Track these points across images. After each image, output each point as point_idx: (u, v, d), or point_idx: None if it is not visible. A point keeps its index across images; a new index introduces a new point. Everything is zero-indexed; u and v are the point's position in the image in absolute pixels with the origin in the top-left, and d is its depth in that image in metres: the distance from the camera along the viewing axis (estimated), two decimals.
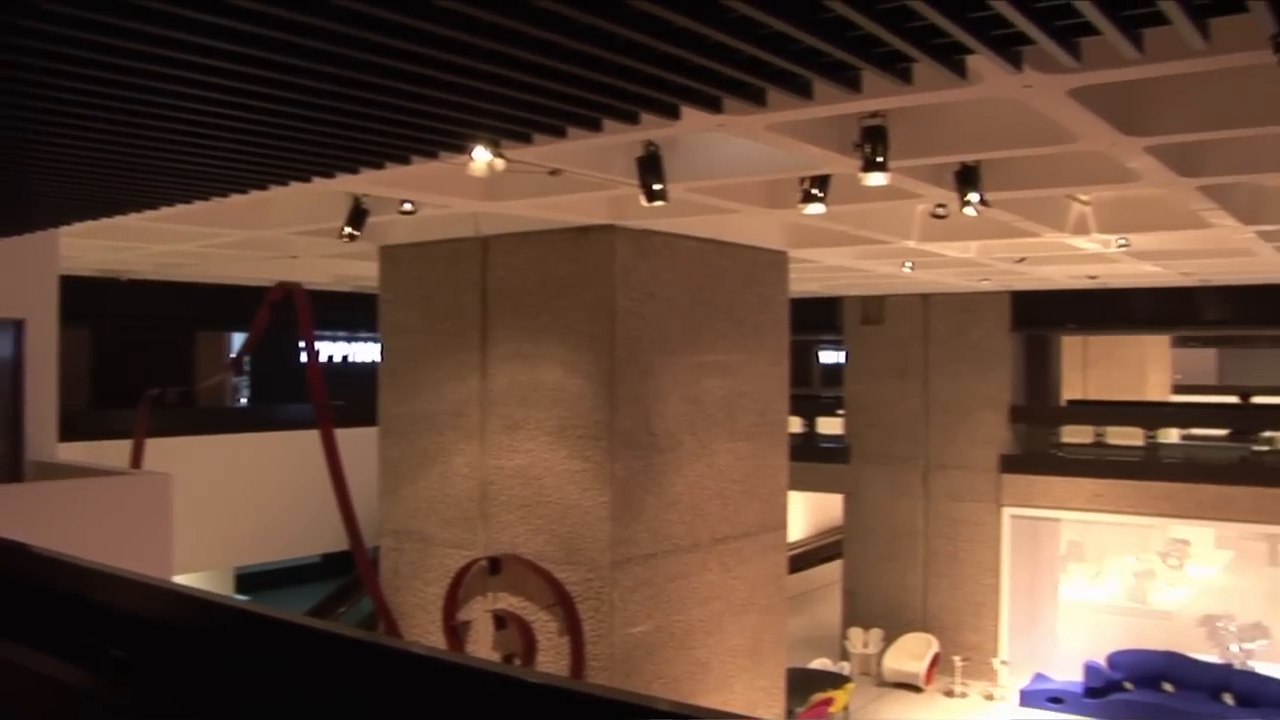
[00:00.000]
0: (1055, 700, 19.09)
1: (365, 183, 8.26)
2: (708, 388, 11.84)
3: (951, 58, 4.44)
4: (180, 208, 8.03)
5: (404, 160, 6.01)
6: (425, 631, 12.00)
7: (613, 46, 4.11)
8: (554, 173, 8.12)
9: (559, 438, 11.06)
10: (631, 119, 5.21)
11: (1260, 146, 7.82)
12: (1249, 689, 18.23)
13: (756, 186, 9.54)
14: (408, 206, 9.59)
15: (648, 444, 11.12)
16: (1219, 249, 12.72)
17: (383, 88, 4.52)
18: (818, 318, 21.76)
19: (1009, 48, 4.35)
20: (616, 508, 10.78)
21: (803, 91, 4.82)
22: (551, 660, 10.99)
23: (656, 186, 7.70)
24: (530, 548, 11.21)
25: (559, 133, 5.43)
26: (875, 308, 21.22)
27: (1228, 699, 18.22)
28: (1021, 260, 14.19)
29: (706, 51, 4.19)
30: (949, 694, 19.74)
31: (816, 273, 15.71)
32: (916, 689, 19.81)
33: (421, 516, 12.10)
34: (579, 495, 10.91)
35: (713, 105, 5.02)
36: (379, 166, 6.17)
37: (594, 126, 5.27)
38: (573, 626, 10.84)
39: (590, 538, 10.84)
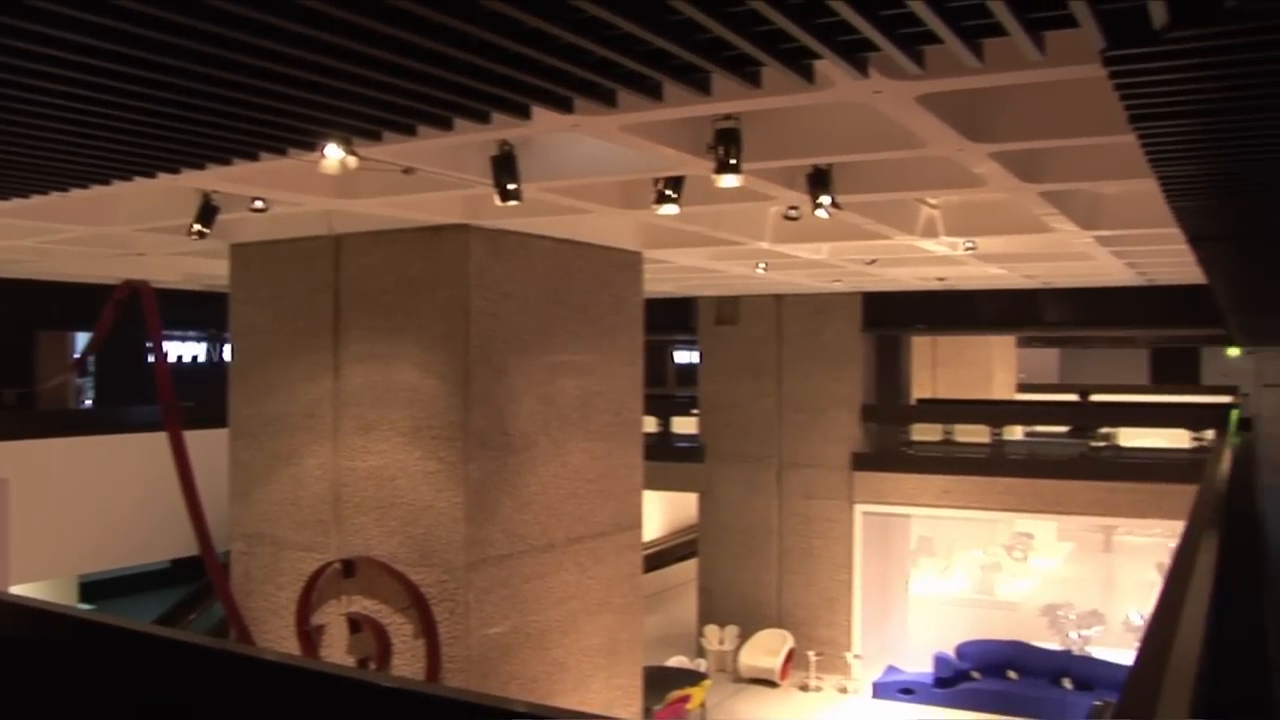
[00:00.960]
0: (906, 691, 19.55)
1: (215, 179, 8.08)
2: (562, 388, 11.84)
3: (799, 62, 4.51)
4: (17, 202, 7.80)
5: (252, 157, 5.92)
6: (278, 637, 11.80)
7: (464, 46, 4.10)
8: (408, 171, 8.05)
9: (413, 438, 10.96)
10: (483, 118, 5.20)
11: (1097, 155, 8.06)
12: (1086, 673, 19.04)
13: (611, 187, 9.55)
14: (259, 204, 9.41)
15: (502, 444, 11.08)
16: (1060, 253, 13.09)
17: (229, 83, 4.45)
18: (672, 318, 21.91)
19: (855, 54, 4.42)
20: (471, 508, 10.72)
21: (653, 93, 4.85)
22: (407, 663, 10.89)
23: (511, 186, 7.67)
24: (384, 550, 11.09)
25: (410, 131, 5.40)
26: (729, 308, 21.40)
27: (1067, 683, 19.01)
28: (872, 262, 14.43)
29: (557, 52, 4.20)
30: (804, 688, 20.02)
31: (671, 273, 15.80)
32: (772, 684, 20.04)
33: (273, 520, 11.89)
34: (433, 496, 10.83)
35: (564, 106, 5.04)
36: (226, 163, 6.07)
37: (445, 125, 5.25)
38: (428, 629, 10.75)
39: (445, 539, 10.76)
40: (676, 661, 19.27)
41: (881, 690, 19.76)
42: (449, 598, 10.74)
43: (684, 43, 4.14)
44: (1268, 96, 4.08)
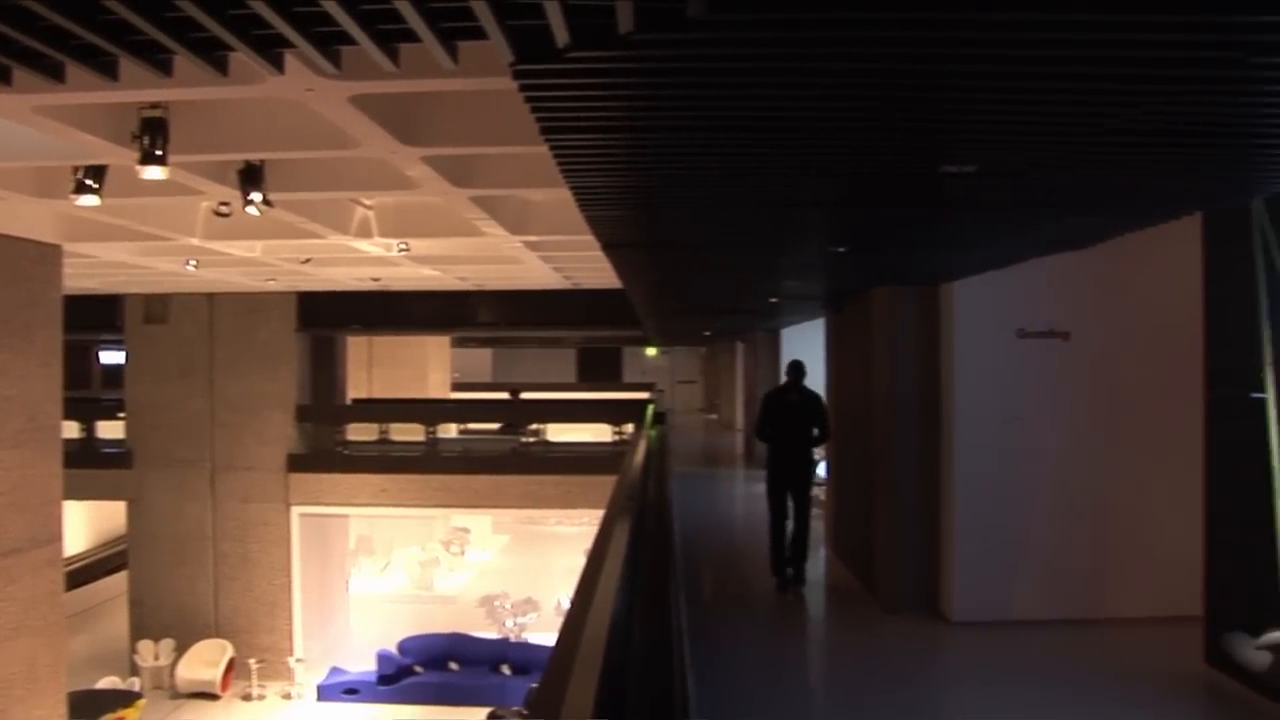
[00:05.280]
0: (351, 691, 19.71)
1: None
2: None
3: (212, 53, 4.43)
4: None
5: None
6: None
7: None
8: None
9: None
10: None
11: (523, 163, 8.44)
12: (523, 659, 20.01)
13: (24, 173, 9.00)
14: None
15: None
16: (492, 256, 13.58)
17: None
18: (97, 316, 20.81)
19: (269, 49, 4.39)
20: None
21: (53, 74, 4.63)
22: None
23: None
24: None
25: None
26: (159, 306, 20.66)
27: (505, 670, 19.91)
28: (307, 261, 14.36)
29: None
30: (247, 698, 19.69)
31: (95, 268, 14.99)
32: (213, 696, 19.53)
33: None
34: None
35: None
36: None
37: None
38: None
39: None
40: (108, 682, 18.41)
41: (326, 692, 19.76)
42: None
43: (86, 22, 3.95)
44: (662, 116, 4.41)
